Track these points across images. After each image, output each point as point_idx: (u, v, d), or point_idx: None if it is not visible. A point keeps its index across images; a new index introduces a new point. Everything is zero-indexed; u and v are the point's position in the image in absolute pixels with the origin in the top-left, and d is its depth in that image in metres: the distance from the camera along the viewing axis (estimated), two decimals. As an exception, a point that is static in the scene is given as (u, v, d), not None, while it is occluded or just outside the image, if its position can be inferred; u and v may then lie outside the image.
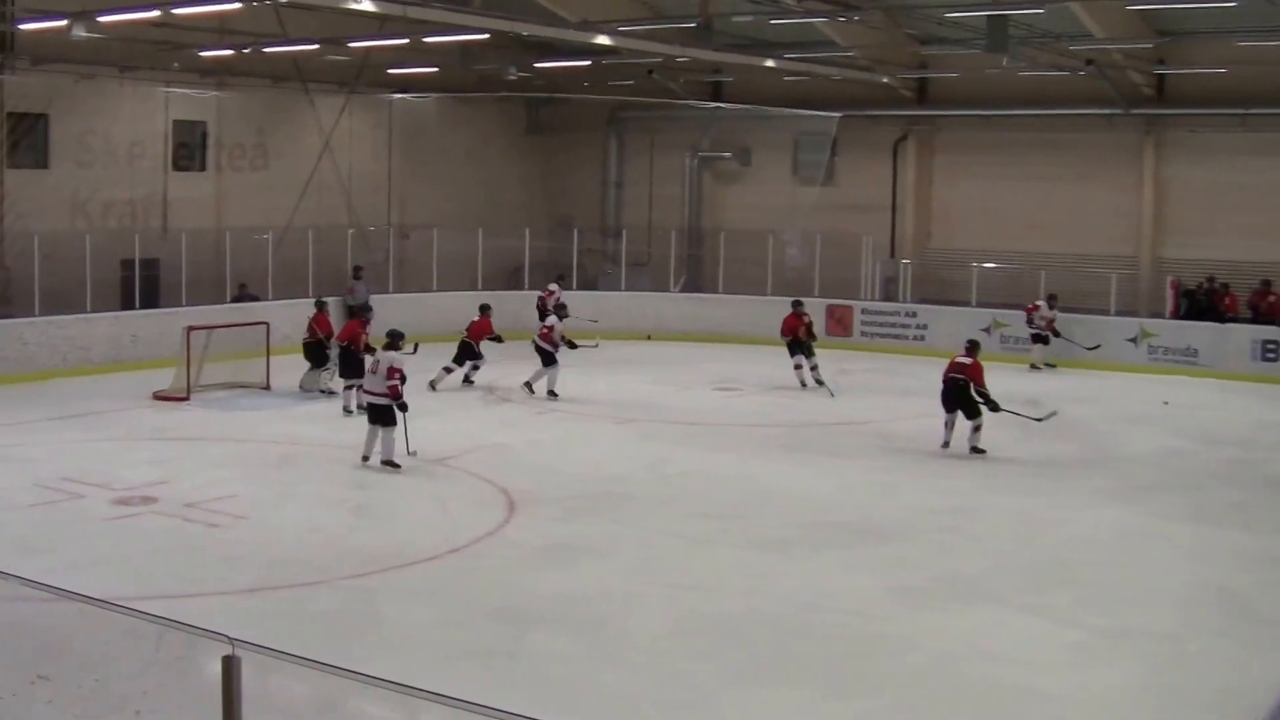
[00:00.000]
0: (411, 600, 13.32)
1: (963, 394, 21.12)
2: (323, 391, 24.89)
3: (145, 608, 10.76)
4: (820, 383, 26.58)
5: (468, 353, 25.97)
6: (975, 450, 21.02)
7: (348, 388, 23.56)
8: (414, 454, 19.05)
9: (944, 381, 21.36)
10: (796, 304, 27.69)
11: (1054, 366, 29.77)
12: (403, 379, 18.99)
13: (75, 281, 27.47)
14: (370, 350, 23.10)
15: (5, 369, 25.82)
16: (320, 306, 25.82)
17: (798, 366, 26.96)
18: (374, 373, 19.40)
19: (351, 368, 23.37)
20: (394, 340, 19.90)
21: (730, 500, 17.91)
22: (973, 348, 21.62)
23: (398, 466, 19.00)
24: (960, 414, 21.17)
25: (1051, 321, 29.72)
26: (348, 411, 23.30)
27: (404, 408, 18.74)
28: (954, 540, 16.17)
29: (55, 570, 12.54)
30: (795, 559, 15.19)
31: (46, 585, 9.58)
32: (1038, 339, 30.06)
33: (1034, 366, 29.73)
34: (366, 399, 19.63)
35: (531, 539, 15.72)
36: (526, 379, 25.37)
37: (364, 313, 24.79)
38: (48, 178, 30.64)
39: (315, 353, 25.06)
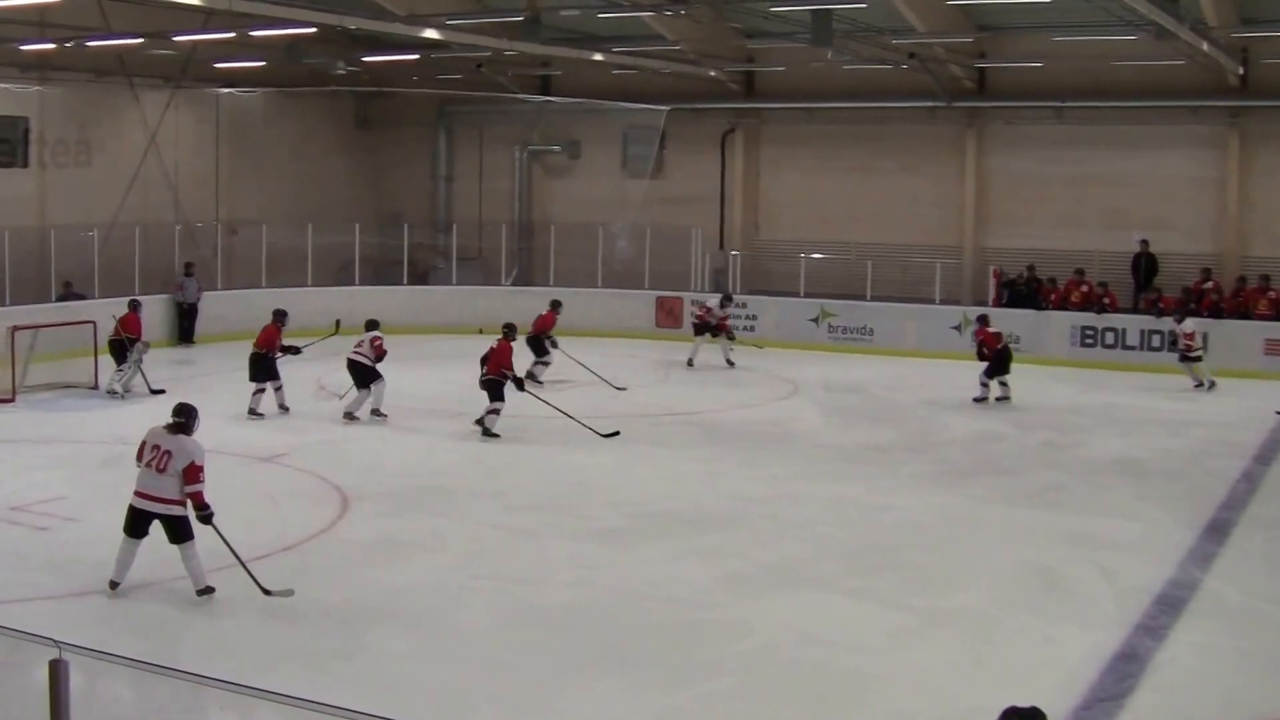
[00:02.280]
0: (243, 599, 13.26)
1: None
2: (111, 393, 24.52)
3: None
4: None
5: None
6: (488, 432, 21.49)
7: (258, 391, 23.25)
8: (270, 594, 13.29)
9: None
10: (555, 304, 28.08)
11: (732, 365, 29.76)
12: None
13: (-107, 282, 26.88)
14: (291, 350, 23.53)
15: None
16: (133, 306, 25.51)
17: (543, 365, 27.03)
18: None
19: (263, 372, 23.21)
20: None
21: (558, 492, 18.07)
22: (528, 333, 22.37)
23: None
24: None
25: (725, 320, 29.74)
26: (254, 414, 23.04)
27: (207, 519, 13.31)
28: (778, 527, 16.45)
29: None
30: (623, 549, 15.37)
31: None
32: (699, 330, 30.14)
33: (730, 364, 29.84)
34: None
35: (362, 535, 15.73)
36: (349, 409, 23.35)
37: (280, 317, 24.12)
38: None
39: (117, 350, 24.74)
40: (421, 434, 21.91)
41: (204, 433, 21.04)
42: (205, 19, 28.03)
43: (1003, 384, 25.57)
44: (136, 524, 13.31)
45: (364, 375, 22.85)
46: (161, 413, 22.76)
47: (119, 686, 10.13)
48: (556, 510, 17.06)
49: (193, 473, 13.11)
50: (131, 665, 7.91)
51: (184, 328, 31.54)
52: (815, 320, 31.22)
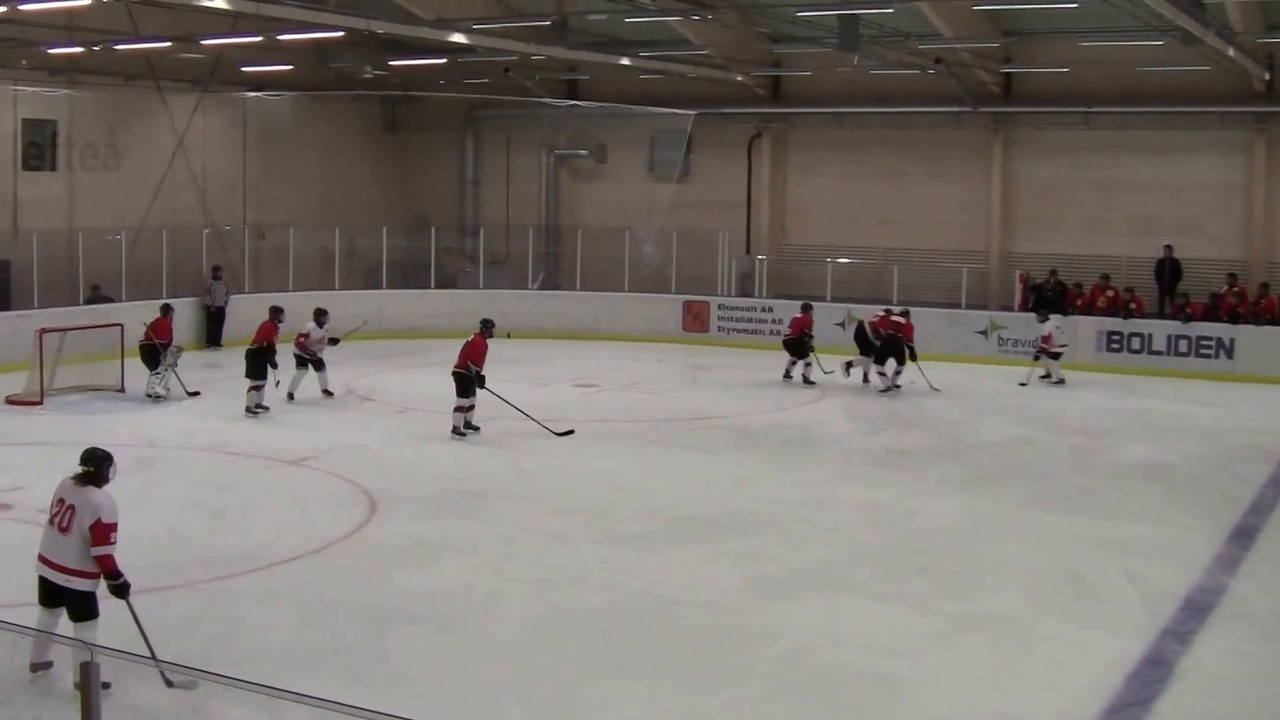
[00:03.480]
0: (272, 602, 13.26)
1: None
2: (151, 396, 24.59)
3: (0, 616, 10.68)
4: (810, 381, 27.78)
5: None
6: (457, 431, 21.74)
7: (254, 388, 23.44)
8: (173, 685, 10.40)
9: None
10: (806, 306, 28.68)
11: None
12: None
13: (-78, 284, 26.99)
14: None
15: None
16: (165, 311, 25.52)
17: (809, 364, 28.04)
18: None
19: (261, 369, 23.42)
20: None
21: (590, 496, 18.05)
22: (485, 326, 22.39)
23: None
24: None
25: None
26: (250, 411, 23.29)
27: (119, 591, 10.85)
28: (809, 531, 16.40)
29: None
30: (654, 553, 15.33)
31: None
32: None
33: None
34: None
35: (392, 538, 15.72)
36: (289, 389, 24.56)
37: (277, 315, 24.37)
38: (-110, 179, 30.12)
39: (149, 355, 24.79)
40: (450, 437, 21.89)
41: (234, 435, 21.31)
42: (233, 23, 28.11)
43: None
44: (46, 594, 10.98)
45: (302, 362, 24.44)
46: (198, 415, 23.16)
47: (150, 688, 10.15)
48: (588, 514, 17.03)
49: (101, 532, 10.71)
50: (162, 667, 7.90)
51: (212, 331, 31.59)
52: (842, 325, 31.14)
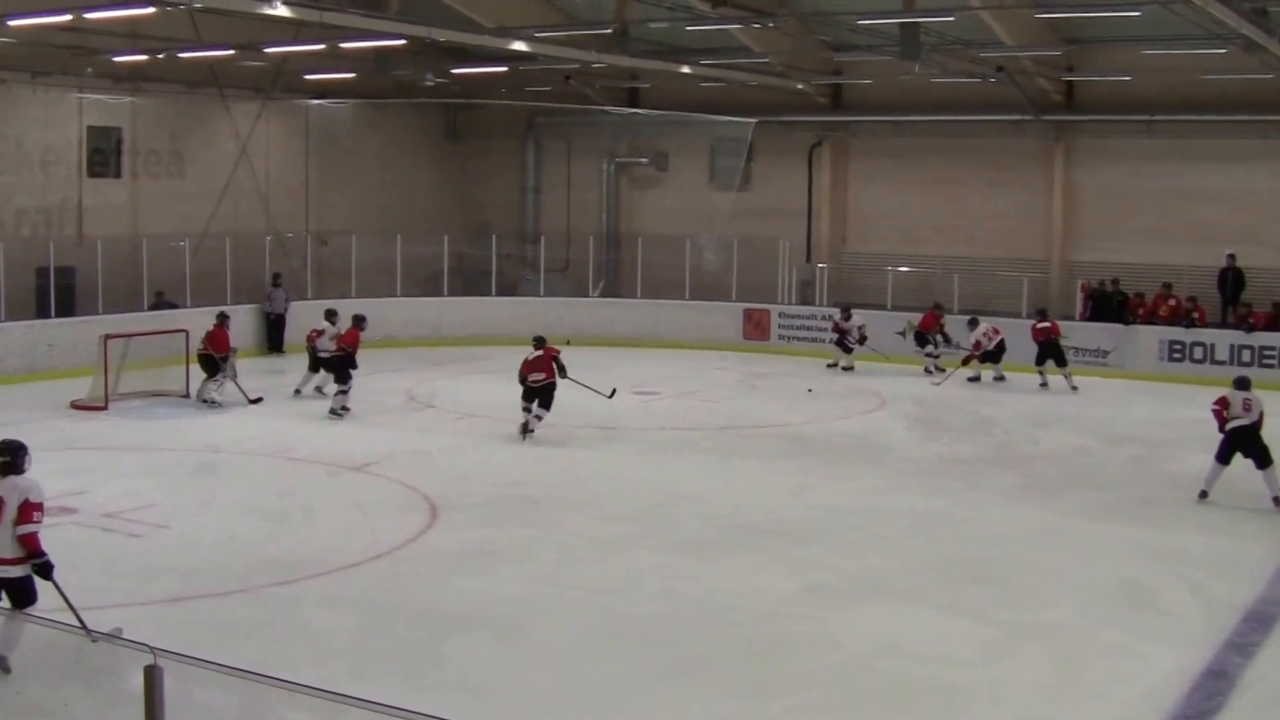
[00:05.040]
0: (333, 607, 13.37)
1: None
2: (205, 402, 24.76)
3: (65, 619, 10.82)
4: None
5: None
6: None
7: (340, 391, 23.87)
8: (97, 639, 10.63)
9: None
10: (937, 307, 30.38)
11: None
12: None
13: (-11, 290, 27.28)
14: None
15: (-82, 379, 25.63)
16: (220, 321, 25.63)
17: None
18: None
19: (344, 373, 23.91)
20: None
21: (647, 503, 18.06)
22: None
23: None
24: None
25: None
26: (335, 413, 23.73)
27: (43, 571, 11.02)
28: (866, 540, 16.39)
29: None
30: (710, 560, 15.33)
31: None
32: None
33: None
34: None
35: (451, 544, 15.80)
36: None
37: (360, 323, 24.73)
38: (-43, 186, 30.46)
39: (207, 364, 24.96)
40: (511, 444, 21.97)
41: (297, 441, 21.44)
42: (296, 31, 28.33)
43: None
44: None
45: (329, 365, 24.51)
46: (260, 420, 23.33)
47: (212, 691, 10.25)
48: (644, 521, 17.08)
49: (26, 511, 10.84)
50: (224, 671, 7.98)
51: (273, 338, 31.77)
52: (902, 333, 31.07)
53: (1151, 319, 30.77)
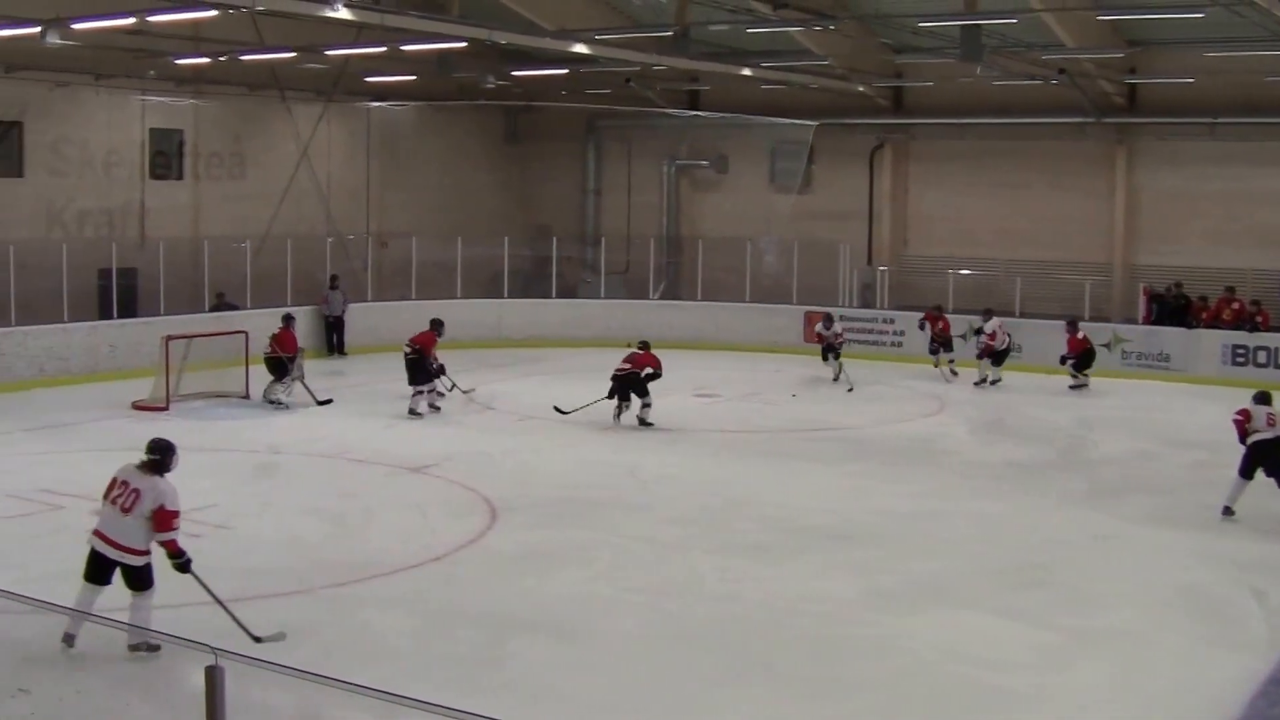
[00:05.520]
0: (391, 608, 13.39)
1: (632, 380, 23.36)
2: (273, 402, 24.91)
3: (126, 619, 10.87)
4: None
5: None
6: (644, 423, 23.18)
7: (417, 393, 24.15)
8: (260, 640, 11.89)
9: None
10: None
11: None
12: None
13: (52, 291, 27.45)
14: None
15: (-19, 379, 25.86)
16: (287, 323, 25.81)
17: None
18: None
19: (421, 375, 24.11)
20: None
21: (707, 506, 18.02)
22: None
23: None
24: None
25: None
26: (414, 414, 24.01)
27: (183, 567, 11.81)
28: (926, 544, 16.29)
29: (34, 582, 12.55)
30: (770, 563, 15.29)
31: (26, 597, 9.64)
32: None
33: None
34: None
35: (511, 546, 15.80)
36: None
37: (438, 326, 25.06)
38: (22, 186, 30.70)
39: (275, 367, 25.10)
40: (570, 446, 22.01)
41: (357, 442, 21.53)
42: (357, 33, 28.43)
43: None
44: (98, 569, 11.63)
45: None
46: (320, 422, 23.43)
47: (271, 692, 10.27)
48: (704, 524, 17.05)
49: (164, 519, 11.55)
50: (283, 671, 7.99)
51: (331, 340, 31.86)
52: (964, 336, 30.88)
53: (1214, 323, 30.47)
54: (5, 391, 25.68)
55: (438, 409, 24.46)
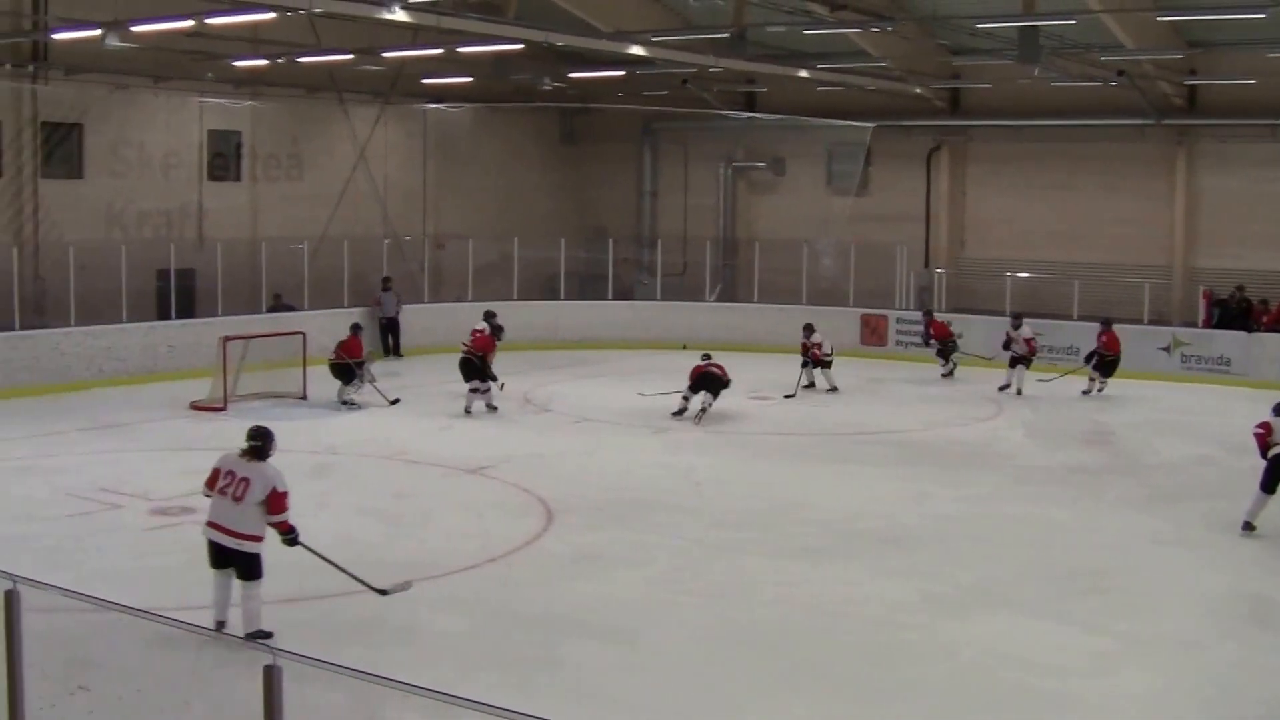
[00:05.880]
0: (446, 609, 13.42)
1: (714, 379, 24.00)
2: (345, 403, 25.06)
3: (184, 618, 10.92)
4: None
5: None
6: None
7: (472, 391, 24.40)
8: (385, 592, 13.14)
9: None
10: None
11: None
12: None
13: (110, 292, 27.61)
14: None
15: (41, 379, 26.07)
16: (354, 330, 26.01)
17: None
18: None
19: (476, 375, 24.41)
20: None
21: (761, 509, 17.99)
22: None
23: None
24: None
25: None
26: (469, 412, 24.32)
27: (293, 542, 12.50)
28: (981, 548, 16.21)
29: (93, 580, 12.65)
30: (825, 567, 15.25)
31: (86, 595, 9.69)
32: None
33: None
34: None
35: (566, 548, 15.83)
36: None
37: (498, 332, 25.28)
38: (82, 188, 30.94)
39: (340, 372, 25.27)
40: (625, 448, 22.03)
41: (412, 443, 21.60)
42: (414, 35, 28.53)
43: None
44: (218, 558, 12.21)
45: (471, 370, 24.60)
46: (377, 423, 23.50)
47: (327, 691, 10.29)
48: (758, 527, 17.01)
49: (277, 501, 12.09)
50: (339, 671, 8.00)
51: (386, 342, 31.92)
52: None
53: (1276, 326, 30.21)
54: (64, 391, 25.92)
55: (494, 408, 24.53)
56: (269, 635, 11.70)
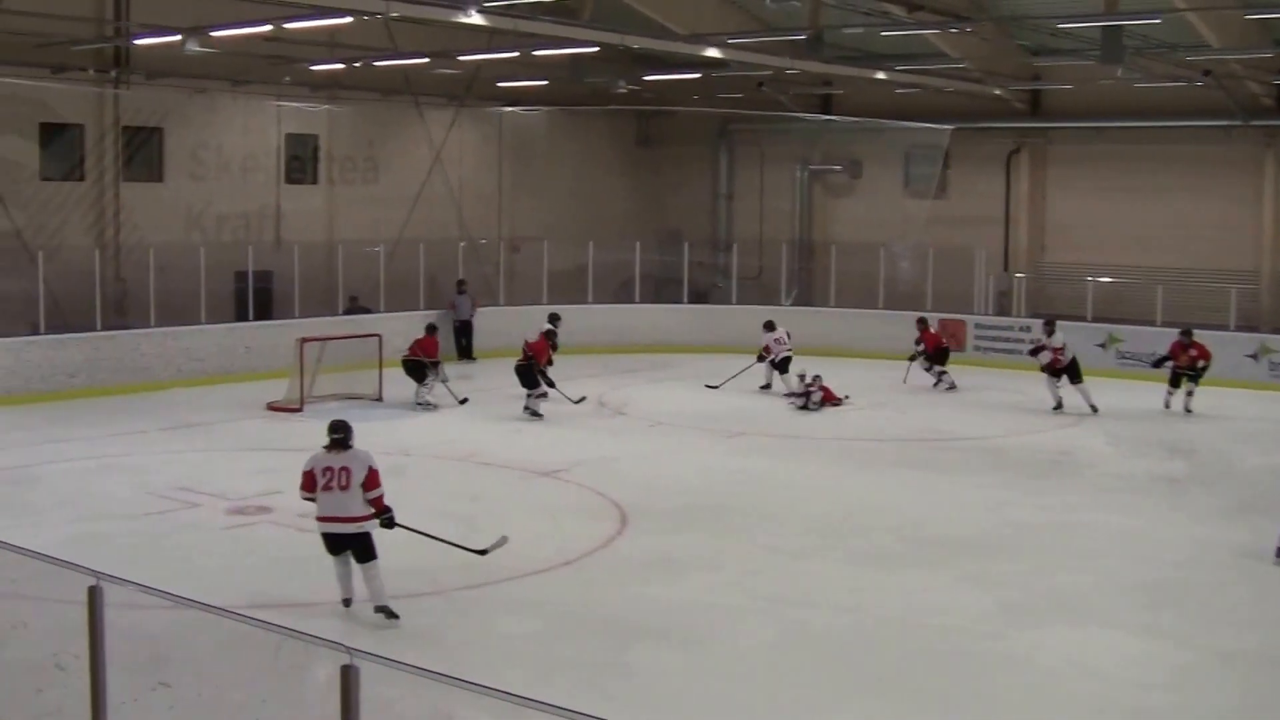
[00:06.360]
0: (520, 612, 13.40)
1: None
2: (421, 404, 25.16)
3: (261, 616, 10.91)
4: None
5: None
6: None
7: (529, 395, 24.52)
8: (485, 552, 14.27)
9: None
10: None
11: None
12: None
13: (190, 293, 27.85)
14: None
15: (121, 379, 26.30)
16: (430, 331, 26.06)
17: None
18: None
19: (531, 380, 24.53)
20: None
21: (836, 514, 17.87)
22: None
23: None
24: None
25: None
26: (535, 414, 24.41)
27: (391, 523, 13.32)
28: (1061, 557, 15.97)
29: (172, 578, 12.65)
30: (901, 574, 15.10)
31: (166, 592, 9.70)
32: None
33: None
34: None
35: (640, 552, 15.76)
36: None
37: (552, 337, 25.53)
38: (162, 191, 31.23)
39: (413, 370, 25.34)
40: (699, 452, 21.95)
41: (487, 445, 21.62)
42: (489, 39, 28.55)
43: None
44: (336, 546, 13.12)
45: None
46: (451, 425, 23.52)
47: (400, 692, 10.25)
48: (832, 532, 16.88)
49: (374, 478, 13.04)
50: (414, 672, 7.96)
51: (460, 344, 31.92)
52: (1103, 345, 30.38)
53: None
54: (143, 391, 26.15)
55: (539, 415, 24.52)
56: (396, 617, 12.83)
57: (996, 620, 13.48)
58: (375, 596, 12.99)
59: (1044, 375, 26.53)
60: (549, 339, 25.46)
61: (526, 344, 25.00)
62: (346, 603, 13.18)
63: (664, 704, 11.09)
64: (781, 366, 27.57)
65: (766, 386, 27.91)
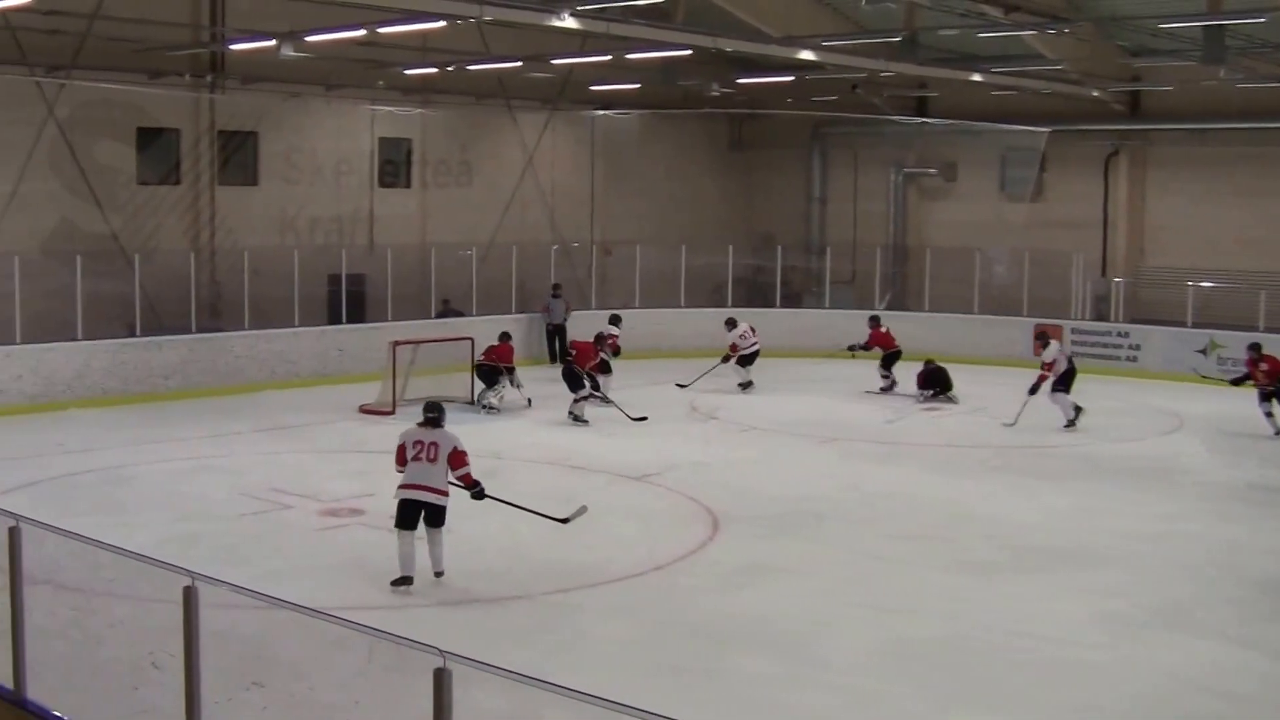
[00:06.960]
0: (612, 617, 13.34)
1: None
2: (485, 408, 25.19)
3: (354, 618, 10.87)
4: None
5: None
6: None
7: (579, 399, 24.38)
8: (568, 520, 15.49)
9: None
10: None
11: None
12: None
13: (283, 296, 28.08)
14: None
15: (215, 381, 26.52)
16: (504, 338, 26.11)
17: None
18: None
19: (576, 383, 24.45)
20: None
21: (932, 522, 17.64)
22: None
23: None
24: None
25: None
26: (579, 419, 24.30)
27: (480, 495, 14.58)
28: (1163, 567, 15.71)
29: (265, 579, 12.71)
30: (999, 583, 14.88)
31: (260, 593, 9.70)
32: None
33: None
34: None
35: (732, 557, 15.63)
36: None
37: (601, 342, 25.56)
38: (257, 194, 31.48)
39: (487, 374, 25.45)
40: (794, 457, 21.79)
41: (578, 449, 21.60)
42: (582, 42, 28.58)
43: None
44: (408, 517, 14.05)
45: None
46: (542, 428, 23.51)
47: (489, 695, 10.18)
48: (931, 540, 16.67)
49: (459, 457, 14.12)
50: (505, 675, 7.90)
51: (553, 348, 31.89)
52: (1204, 351, 29.91)
53: None
54: (238, 393, 26.33)
55: (584, 421, 24.43)
56: (440, 575, 14.23)
57: (1097, 631, 13.22)
58: (436, 563, 14.17)
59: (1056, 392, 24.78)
60: (598, 343, 25.38)
61: (572, 344, 25.10)
62: (406, 580, 13.92)
63: (756, 711, 10.98)
64: (746, 361, 27.89)
65: (747, 384, 28.01)
